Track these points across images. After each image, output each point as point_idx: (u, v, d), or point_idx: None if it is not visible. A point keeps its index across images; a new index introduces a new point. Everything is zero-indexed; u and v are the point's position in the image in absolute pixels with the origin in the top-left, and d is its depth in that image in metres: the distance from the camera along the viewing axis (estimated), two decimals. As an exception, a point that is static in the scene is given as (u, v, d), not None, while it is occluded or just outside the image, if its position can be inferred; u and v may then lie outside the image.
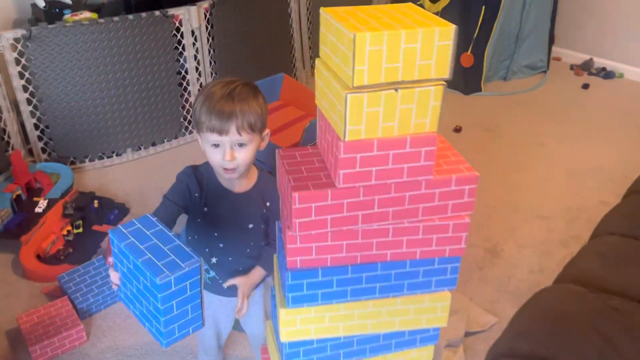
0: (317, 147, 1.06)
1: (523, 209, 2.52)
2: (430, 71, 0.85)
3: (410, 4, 0.96)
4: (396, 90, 0.86)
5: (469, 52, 3.42)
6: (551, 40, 3.77)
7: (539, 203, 2.56)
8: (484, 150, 2.97)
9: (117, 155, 2.76)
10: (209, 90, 1.19)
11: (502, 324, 1.92)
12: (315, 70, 0.99)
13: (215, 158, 1.19)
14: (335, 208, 0.93)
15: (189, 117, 2.90)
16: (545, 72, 3.81)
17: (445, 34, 0.84)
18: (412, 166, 0.91)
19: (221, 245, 1.32)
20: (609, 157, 2.92)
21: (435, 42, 0.84)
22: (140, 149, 2.80)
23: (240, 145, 1.20)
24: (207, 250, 1.33)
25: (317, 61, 0.98)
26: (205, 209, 1.28)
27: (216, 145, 1.18)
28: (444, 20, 0.87)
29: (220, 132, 1.16)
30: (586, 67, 3.88)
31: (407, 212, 0.96)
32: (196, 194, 1.26)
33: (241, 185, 1.29)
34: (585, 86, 3.65)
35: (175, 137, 2.91)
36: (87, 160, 2.70)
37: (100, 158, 2.73)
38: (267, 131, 1.26)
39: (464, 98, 3.52)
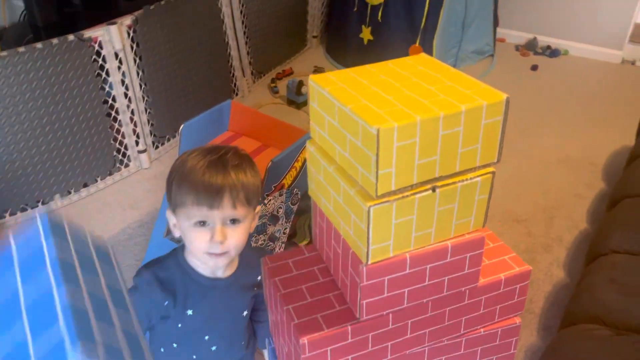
0: (314, 244, 0.82)
1: (499, 214, 2.37)
2: (476, 158, 0.63)
3: (424, 55, 0.73)
4: (434, 190, 0.63)
5: (417, 44, 3.24)
6: (495, 23, 3.64)
7: (514, 205, 2.42)
8: (447, 150, 2.81)
9: (43, 203, 2.39)
10: (187, 164, 0.91)
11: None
12: (306, 155, 0.75)
13: (200, 241, 0.91)
14: (358, 345, 0.70)
15: (122, 149, 2.56)
16: (492, 55, 3.69)
17: (495, 109, 0.62)
18: (455, 277, 0.69)
19: (214, 348, 1.06)
20: (574, 145, 2.83)
21: (482, 121, 0.62)
22: (70, 192, 2.45)
23: (234, 222, 0.92)
24: (194, 358, 1.07)
25: (307, 144, 0.73)
26: (190, 312, 1.01)
27: (202, 224, 0.90)
28: (486, 86, 0.65)
29: (211, 205, 0.88)
30: (531, 46, 3.79)
31: (447, 329, 0.75)
32: (166, 303, 0.99)
33: (227, 268, 1.03)
34: (534, 67, 3.56)
35: (110, 174, 2.57)
36: (7, 214, 2.33)
37: (24, 210, 2.35)
38: (259, 208, 1.00)
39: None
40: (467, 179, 0.64)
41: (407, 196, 0.62)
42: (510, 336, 0.80)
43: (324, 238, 0.76)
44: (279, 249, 1.71)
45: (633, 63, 3.61)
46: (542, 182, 2.56)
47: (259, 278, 1.05)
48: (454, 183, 0.63)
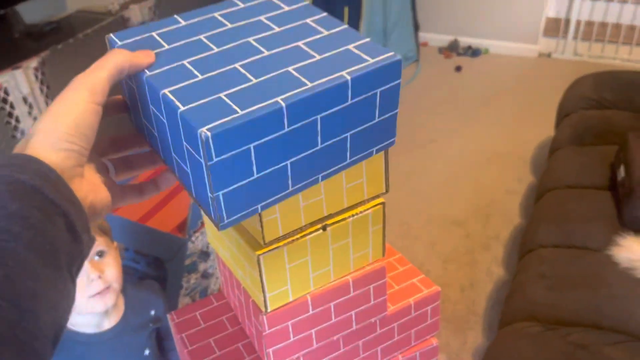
0: (222, 293, 0.79)
1: (436, 217, 2.40)
2: (363, 192, 0.62)
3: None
4: (324, 229, 0.62)
5: (341, 57, 3.26)
6: (416, 28, 3.72)
7: (449, 207, 2.46)
8: (381, 159, 2.83)
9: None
10: None
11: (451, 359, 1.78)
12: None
13: (77, 288, 0.86)
14: (270, 394, 0.67)
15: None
16: (417, 60, 3.77)
17: None
18: (362, 309, 0.68)
19: None
20: (502, 141, 2.91)
21: None
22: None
23: (100, 254, 0.90)
24: None
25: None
26: None
27: None
28: None
29: None
30: (453, 48, 3.89)
31: (363, 363, 0.73)
32: None
33: (113, 314, 0.98)
34: (458, 68, 3.65)
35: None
36: None
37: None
38: (116, 243, 0.97)
39: (347, 105, 3.36)
40: (357, 214, 0.62)
41: (298, 239, 0.59)
42: (430, 357, 0.79)
43: (228, 286, 0.73)
44: (215, 286, 1.66)
45: (549, 55, 3.76)
46: (474, 181, 2.62)
47: (153, 312, 1.01)
48: (344, 219, 0.61)
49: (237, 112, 0.40)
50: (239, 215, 0.46)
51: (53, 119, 0.40)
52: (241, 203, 0.45)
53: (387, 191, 0.62)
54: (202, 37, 0.48)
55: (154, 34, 0.50)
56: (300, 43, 0.47)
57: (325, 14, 0.52)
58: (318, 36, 0.47)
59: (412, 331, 0.75)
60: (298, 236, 0.59)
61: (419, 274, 0.76)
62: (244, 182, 0.44)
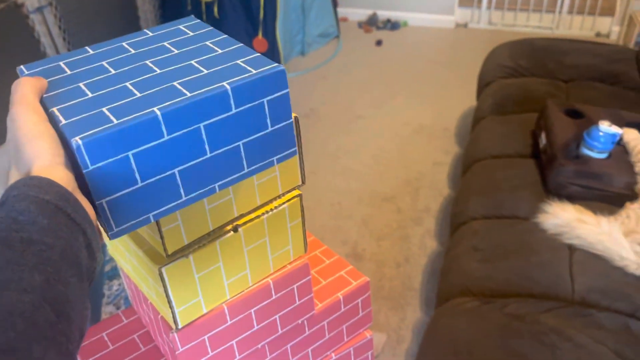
0: (134, 308, 0.70)
1: (367, 195, 2.38)
2: (277, 186, 0.55)
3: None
4: (235, 230, 0.54)
5: (260, 37, 3.15)
6: (335, 3, 3.65)
7: (379, 183, 2.44)
8: (308, 140, 2.77)
9: None
10: None
11: (392, 338, 1.76)
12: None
13: None
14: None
15: None
16: (338, 36, 3.71)
17: None
18: (287, 312, 0.61)
19: None
20: (426, 113, 2.92)
21: None
22: None
23: None
24: None
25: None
26: None
27: None
28: None
29: None
30: (372, 22, 3.86)
31: (296, 369, 0.67)
32: None
33: None
34: (379, 42, 3.63)
35: None
36: None
37: None
38: None
39: (269, 85, 3.26)
40: (272, 210, 0.55)
41: (206, 245, 0.52)
42: (365, 350, 0.75)
43: (136, 300, 0.64)
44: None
45: (465, 26, 3.81)
46: (402, 155, 2.61)
47: None
48: (258, 217, 0.55)
49: (112, 122, 0.42)
50: (128, 224, 0.45)
51: (44, 141, 0.42)
52: (130, 211, 0.45)
53: (303, 183, 0.56)
54: (104, 62, 0.52)
55: (60, 63, 0.53)
56: (192, 61, 0.50)
57: (225, 36, 0.55)
58: (212, 55, 0.50)
59: (344, 327, 0.69)
60: (206, 242, 0.52)
61: (346, 265, 0.71)
62: (129, 190, 0.44)
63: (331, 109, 3.01)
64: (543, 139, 1.68)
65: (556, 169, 1.54)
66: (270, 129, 0.48)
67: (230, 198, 0.52)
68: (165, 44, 0.54)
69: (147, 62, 0.51)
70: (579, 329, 1.18)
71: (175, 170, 0.45)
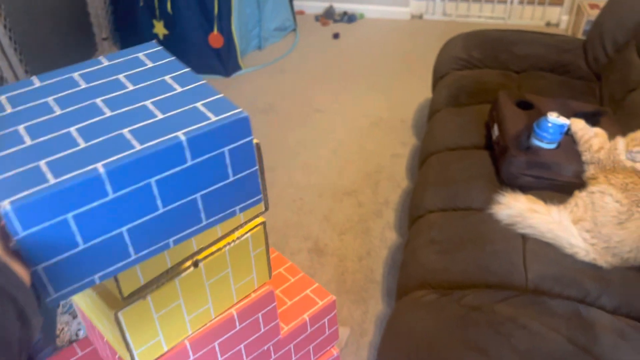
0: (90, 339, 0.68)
1: (328, 190, 2.39)
2: (239, 216, 0.55)
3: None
4: (196, 265, 0.54)
5: (215, 32, 3.10)
6: (290, -4, 3.63)
7: (340, 177, 2.46)
8: (266, 136, 2.76)
9: None
10: None
11: (355, 332, 1.78)
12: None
13: None
14: None
15: None
16: (295, 30, 3.69)
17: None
18: (252, 340, 0.61)
19: None
20: (384, 105, 2.94)
21: None
22: None
23: None
24: None
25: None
26: None
27: None
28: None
29: None
30: (329, 15, 3.86)
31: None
32: None
33: None
34: (336, 35, 3.63)
35: None
36: None
37: None
38: None
39: (227, 81, 3.23)
40: (234, 241, 0.55)
41: (164, 283, 0.51)
42: (332, 365, 0.75)
43: (93, 332, 0.63)
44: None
45: (420, 17, 3.85)
46: (361, 149, 2.63)
47: None
48: (219, 250, 0.54)
49: (48, 182, 0.37)
50: (69, 288, 0.41)
51: None
52: (71, 275, 0.41)
53: (266, 209, 0.55)
54: (50, 99, 0.46)
55: (2, 97, 0.48)
56: (147, 102, 0.45)
57: (188, 69, 0.50)
58: (170, 93, 0.46)
59: (311, 347, 0.70)
60: (164, 280, 0.51)
61: (312, 284, 0.71)
62: (68, 253, 0.40)
63: (289, 104, 3.00)
64: (495, 131, 1.73)
65: (508, 160, 1.58)
66: (232, 178, 0.45)
67: None
68: (120, 77, 0.49)
69: (98, 100, 0.47)
70: (533, 316, 1.22)
71: (123, 229, 0.41)
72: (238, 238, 0.54)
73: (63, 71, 0.50)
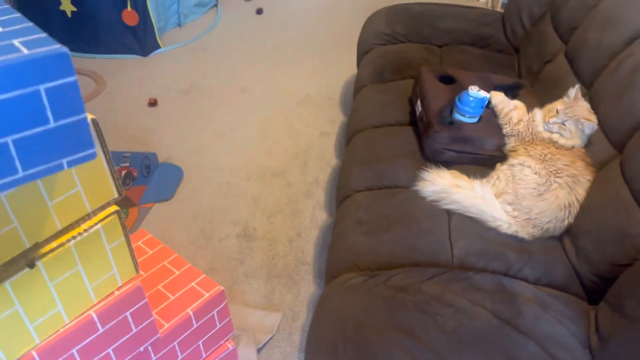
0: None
1: (255, 172, 2.32)
2: (83, 204, 0.48)
3: None
4: (32, 265, 0.46)
5: (129, 8, 2.92)
6: (210, -30, 3.48)
7: (268, 159, 2.39)
8: (190, 117, 2.65)
9: None
10: None
11: (287, 316, 1.75)
12: None
13: None
14: None
15: None
16: (216, 5, 3.55)
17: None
18: (123, 342, 0.55)
19: None
20: (310, 83, 2.88)
21: (65, 165, 0.46)
22: None
23: None
24: None
25: None
26: None
27: None
28: None
29: None
30: (252, -11, 3.73)
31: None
32: None
33: None
34: (259, 11, 3.53)
35: None
36: None
37: None
38: None
39: (145, 61, 3.06)
40: (80, 233, 0.48)
41: None
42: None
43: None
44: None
45: (346, -9, 3.79)
46: (288, 128, 2.57)
47: None
48: (61, 245, 0.47)
49: None
50: None
51: None
52: None
53: (120, 195, 0.49)
54: None
55: None
56: None
57: (17, 15, 0.44)
58: None
59: (200, 343, 0.64)
60: None
61: (198, 275, 0.65)
62: None
63: (213, 83, 2.89)
64: (419, 107, 1.71)
65: (431, 136, 1.57)
66: (52, 124, 0.40)
67: (15, 227, 0.43)
68: None
69: None
70: (459, 293, 1.23)
71: None
72: (85, 230, 0.48)
73: None
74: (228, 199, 2.20)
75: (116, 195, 0.48)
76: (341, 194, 1.66)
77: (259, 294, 1.82)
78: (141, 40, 3.04)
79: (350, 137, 1.86)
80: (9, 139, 0.38)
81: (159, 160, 2.35)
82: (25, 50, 0.37)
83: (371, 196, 1.54)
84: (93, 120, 0.43)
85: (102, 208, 0.47)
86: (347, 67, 2.98)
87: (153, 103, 2.69)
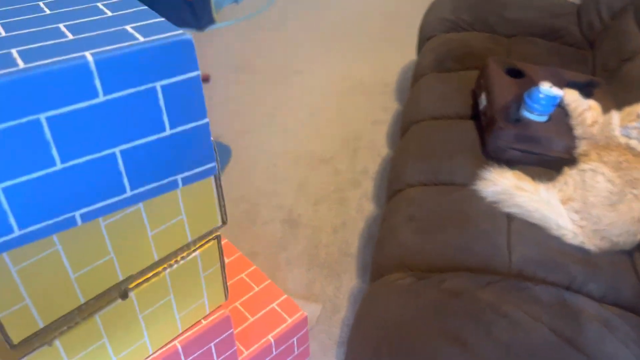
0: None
1: (303, 157, 2.27)
2: (185, 233, 0.42)
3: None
4: (124, 296, 0.41)
5: (187, -18, 2.89)
6: (270, -53, 3.41)
7: (317, 143, 2.33)
8: (241, 96, 2.61)
9: None
10: None
11: (327, 308, 1.70)
12: None
13: None
14: None
15: None
16: (274, -17, 3.49)
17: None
18: None
19: None
20: (365, 68, 2.80)
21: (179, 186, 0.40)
22: None
23: None
24: None
25: None
26: None
27: None
28: None
29: None
30: (312, -32, 3.64)
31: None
32: None
33: None
34: (318, -9, 3.44)
35: None
36: None
37: None
38: None
39: (199, 36, 3.04)
40: (177, 261, 0.42)
41: (79, 323, 0.38)
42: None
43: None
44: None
45: (408, -26, 3.66)
46: (340, 113, 2.50)
47: None
48: (156, 274, 0.41)
49: None
50: None
51: None
52: None
53: (224, 223, 0.42)
54: None
55: None
56: (60, 24, 0.32)
57: None
58: (95, 17, 0.32)
59: None
60: (79, 319, 0.38)
61: (279, 295, 0.60)
62: None
63: (266, 62, 2.84)
64: (483, 100, 1.61)
65: (495, 133, 1.47)
66: (168, 131, 0.32)
67: (111, 258, 0.37)
68: (40, 2, 0.35)
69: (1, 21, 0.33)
70: (516, 304, 1.14)
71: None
72: (183, 258, 0.41)
73: None
74: (274, 183, 2.15)
75: (220, 223, 0.42)
76: (392, 186, 1.59)
77: (299, 282, 1.78)
78: (198, 14, 3.01)
79: (405, 127, 1.77)
80: (116, 150, 0.29)
81: (207, 137, 2.32)
82: (140, 38, 0.29)
83: (425, 192, 1.46)
84: (214, 143, 0.36)
85: (203, 237, 0.41)
86: (404, 53, 2.87)
87: (205, 79, 2.66)
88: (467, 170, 1.46)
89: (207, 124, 0.32)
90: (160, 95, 0.30)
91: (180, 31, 0.30)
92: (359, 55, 2.89)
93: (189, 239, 0.40)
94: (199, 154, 0.33)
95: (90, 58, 0.27)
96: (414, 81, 2.05)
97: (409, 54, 2.86)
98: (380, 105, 2.54)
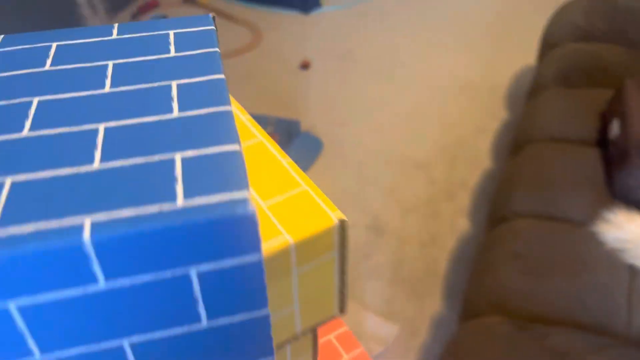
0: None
1: (397, 159, 2.14)
2: (293, 325, 0.33)
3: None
4: None
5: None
6: None
7: (413, 147, 2.19)
8: (340, 87, 2.51)
9: None
10: None
11: (405, 330, 1.59)
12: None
13: None
14: None
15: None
16: (386, -31, 3.33)
17: (322, 241, 0.30)
18: None
19: None
20: (475, 68, 2.60)
21: (292, 268, 0.30)
22: None
23: None
24: None
25: None
26: None
27: None
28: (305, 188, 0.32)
29: None
30: (428, -45, 3.44)
31: None
32: None
33: None
34: (432, -20, 3.25)
35: None
36: None
37: None
38: None
39: (304, 19, 2.96)
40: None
41: None
42: None
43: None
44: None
45: (533, -31, 3.36)
46: (441, 116, 2.34)
47: None
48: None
49: None
50: None
51: None
52: None
53: (342, 312, 0.33)
54: None
55: None
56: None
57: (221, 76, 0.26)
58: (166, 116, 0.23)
59: None
60: None
61: (339, 326, 0.50)
62: None
63: (370, 52, 2.71)
64: (615, 127, 1.40)
65: (628, 169, 1.27)
66: (205, 323, 0.23)
67: None
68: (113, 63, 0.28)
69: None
70: (634, 380, 0.97)
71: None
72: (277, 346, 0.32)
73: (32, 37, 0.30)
74: (363, 184, 2.05)
75: (334, 312, 0.32)
76: (497, 213, 1.43)
77: (378, 296, 1.67)
78: (304, -3, 2.93)
79: (519, 144, 1.60)
80: (124, 342, 0.21)
81: (300, 129, 2.25)
82: (179, 200, 0.19)
83: (535, 226, 1.29)
84: (342, 222, 0.26)
85: (313, 328, 0.32)
86: (519, 57, 2.64)
87: (306, 65, 2.58)
88: (587, 207, 1.28)
89: (267, 317, 0.22)
90: (195, 284, 0.20)
91: (241, 194, 0.19)
92: (469, 54, 2.70)
93: (297, 331, 0.31)
94: (251, 350, 0.23)
95: (87, 235, 0.17)
96: (532, 93, 1.85)
97: (525, 58, 2.63)
98: (487, 112, 2.35)
